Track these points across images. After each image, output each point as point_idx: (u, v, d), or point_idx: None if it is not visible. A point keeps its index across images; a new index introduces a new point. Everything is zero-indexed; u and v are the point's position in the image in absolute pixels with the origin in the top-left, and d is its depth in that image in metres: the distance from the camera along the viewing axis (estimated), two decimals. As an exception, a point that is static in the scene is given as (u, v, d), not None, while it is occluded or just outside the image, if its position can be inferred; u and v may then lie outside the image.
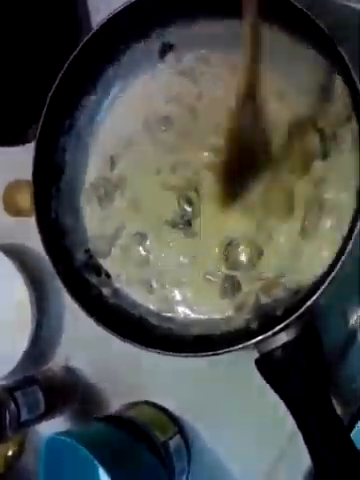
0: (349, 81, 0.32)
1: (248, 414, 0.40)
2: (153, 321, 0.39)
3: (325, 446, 0.33)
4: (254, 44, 0.32)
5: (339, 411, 0.35)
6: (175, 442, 0.41)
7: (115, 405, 0.45)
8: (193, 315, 0.39)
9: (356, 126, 0.32)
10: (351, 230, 0.32)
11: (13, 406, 0.39)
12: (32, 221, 0.42)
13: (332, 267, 0.32)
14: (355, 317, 0.38)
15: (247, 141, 0.36)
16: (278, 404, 0.35)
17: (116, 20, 0.38)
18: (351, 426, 0.36)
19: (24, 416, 0.40)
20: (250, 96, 0.33)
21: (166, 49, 0.40)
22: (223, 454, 0.41)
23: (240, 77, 0.33)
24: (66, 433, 0.38)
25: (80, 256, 0.43)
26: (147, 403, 0.43)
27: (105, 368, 0.46)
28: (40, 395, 0.42)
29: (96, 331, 0.38)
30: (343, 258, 0.31)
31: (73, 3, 0.44)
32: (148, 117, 0.41)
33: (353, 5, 0.37)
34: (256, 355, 0.35)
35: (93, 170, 0.42)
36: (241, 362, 0.36)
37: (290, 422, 0.34)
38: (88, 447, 0.36)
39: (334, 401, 0.34)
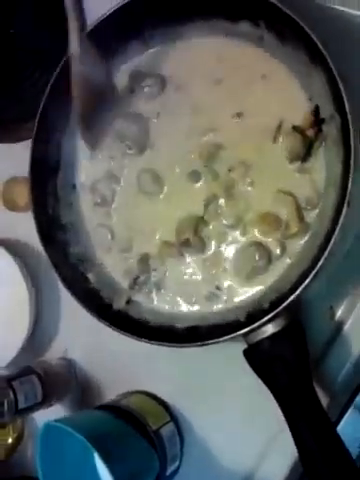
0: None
1: (240, 402, 0.41)
2: (147, 315, 0.40)
3: (310, 436, 0.34)
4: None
5: (325, 404, 0.36)
6: (168, 430, 0.42)
7: (110, 394, 0.46)
8: (185, 308, 0.40)
9: (339, 122, 0.33)
10: (334, 223, 0.32)
11: (11, 394, 0.41)
12: (30, 216, 0.43)
13: (316, 261, 0.33)
14: (341, 310, 0.39)
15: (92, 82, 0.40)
16: (268, 393, 0.36)
17: (107, 22, 0.40)
18: (338, 419, 0.37)
19: (21, 404, 0.42)
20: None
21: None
22: (215, 441, 0.43)
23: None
24: (62, 420, 0.39)
25: (77, 250, 0.44)
26: (141, 392, 0.45)
27: (101, 359, 0.47)
28: (38, 384, 0.44)
29: (92, 323, 0.40)
30: (327, 253, 0.32)
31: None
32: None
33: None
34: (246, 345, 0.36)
35: (87, 168, 0.44)
36: (232, 352, 0.37)
37: (280, 411, 0.36)
38: (84, 433, 0.37)
39: (320, 394, 0.35)
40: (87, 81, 0.40)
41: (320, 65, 0.33)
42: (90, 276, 0.43)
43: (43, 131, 0.43)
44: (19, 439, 0.48)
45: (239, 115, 0.38)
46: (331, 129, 0.34)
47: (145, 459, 0.40)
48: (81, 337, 0.47)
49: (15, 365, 0.47)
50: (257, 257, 0.37)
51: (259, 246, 0.37)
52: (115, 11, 0.39)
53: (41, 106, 0.42)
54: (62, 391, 0.47)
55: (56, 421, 0.38)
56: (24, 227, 0.46)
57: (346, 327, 0.39)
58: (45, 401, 0.44)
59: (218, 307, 0.38)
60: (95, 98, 0.41)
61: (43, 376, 0.45)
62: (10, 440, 0.48)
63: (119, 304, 0.42)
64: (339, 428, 0.40)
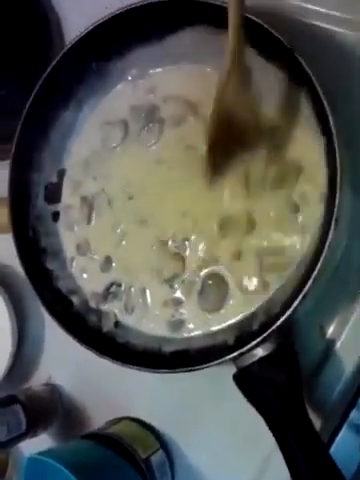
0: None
1: (230, 428, 0.40)
2: (134, 339, 0.39)
3: (303, 460, 0.33)
4: (238, 10, 0.31)
5: (318, 426, 0.35)
6: (157, 458, 0.41)
7: (98, 421, 0.45)
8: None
9: (324, 140, 0.33)
10: (322, 243, 0.32)
11: (-7, 427, 0.39)
12: (10, 238, 0.42)
13: (305, 282, 0.32)
14: (331, 329, 0.38)
15: (235, 113, 0.34)
16: (259, 418, 0.35)
17: (86, 40, 0.39)
18: (330, 441, 0.37)
19: (4, 437, 0.40)
20: (236, 64, 0.32)
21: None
22: (206, 467, 0.41)
23: (226, 45, 0.31)
24: (46, 453, 0.37)
25: (59, 274, 0.43)
26: (129, 419, 0.43)
27: (87, 385, 0.45)
28: (21, 414, 0.42)
29: (77, 348, 0.38)
30: (314, 274, 0.32)
31: (47, 23, 0.44)
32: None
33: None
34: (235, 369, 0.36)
35: (66, 189, 0.43)
36: (222, 376, 0.36)
37: (271, 436, 0.35)
38: (69, 467, 0.36)
39: (312, 416, 0.34)
40: (231, 106, 0.33)
41: (303, 84, 0.33)
42: (74, 299, 0.42)
43: (22, 151, 0.42)
44: (3, 471, 0.47)
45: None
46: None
47: (135, 489, 0.39)
48: (66, 362, 0.46)
49: (-3, 393, 0.45)
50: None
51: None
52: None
53: (19, 126, 0.41)
54: (47, 419, 0.45)
55: (40, 454, 0.37)
56: (5, 250, 0.44)
57: (337, 345, 0.38)
58: (30, 431, 0.43)
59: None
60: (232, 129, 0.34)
61: (27, 404, 0.43)
62: (-7, 472, 0.47)
63: (107, 326, 0.40)
64: (333, 447, 0.39)
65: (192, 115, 0.39)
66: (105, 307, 0.41)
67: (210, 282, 0.37)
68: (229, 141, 0.35)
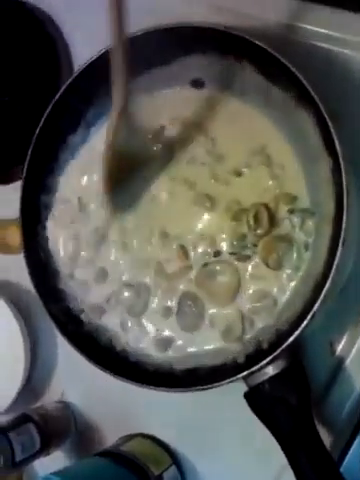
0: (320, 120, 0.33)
1: (242, 445, 0.41)
2: (143, 358, 0.40)
3: (314, 478, 0.33)
4: (122, 65, 0.33)
5: (328, 443, 0.36)
6: (170, 474, 0.41)
7: (111, 438, 0.45)
8: (181, 350, 0.39)
9: (331, 161, 0.33)
10: (330, 263, 0.32)
11: (7, 447, 0.40)
12: (22, 258, 0.42)
13: (314, 301, 0.32)
14: (341, 345, 0.38)
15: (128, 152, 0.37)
16: (271, 435, 0.35)
17: (94, 66, 0.39)
18: (341, 457, 0.37)
19: (19, 456, 0.41)
20: (124, 110, 0.35)
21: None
22: (218, 484, 0.42)
23: (114, 95, 0.35)
24: (60, 473, 0.38)
25: (70, 294, 0.43)
26: (142, 436, 0.44)
27: (99, 402, 0.46)
28: (35, 433, 0.43)
29: (89, 366, 0.39)
30: (324, 292, 0.32)
31: (54, 47, 0.45)
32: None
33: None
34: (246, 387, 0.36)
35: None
36: (234, 393, 0.37)
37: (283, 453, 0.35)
38: (82, 486, 0.36)
39: (322, 433, 0.35)
40: (122, 148, 0.37)
41: (308, 105, 0.33)
42: (84, 318, 0.42)
43: (33, 173, 0.42)
44: (17, 490, 0.47)
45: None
46: (321, 166, 0.34)
47: (148, 507, 0.39)
48: (78, 379, 0.46)
49: (11, 411, 0.46)
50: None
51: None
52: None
53: (30, 148, 0.42)
54: (61, 436, 0.46)
55: (54, 473, 0.37)
56: (18, 270, 0.45)
57: (347, 362, 0.38)
58: (43, 449, 0.43)
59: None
60: (128, 165, 0.38)
61: (40, 423, 0.44)
62: (8, 491, 0.47)
63: (120, 344, 0.41)
64: (344, 463, 0.39)
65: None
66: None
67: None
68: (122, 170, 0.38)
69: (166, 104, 0.40)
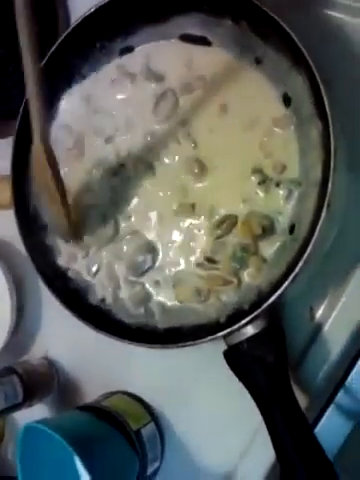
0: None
1: (220, 402, 0.41)
2: (126, 316, 0.40)
3: (287, 436, 0.34)
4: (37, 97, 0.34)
5: (304, 405, 0.36)
6: (148, 430, 0.42)
7: (92, 394, 0.46)
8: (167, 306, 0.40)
9: (320, 125, 0.33)
10: (314, 225, 0.33)
11: (-10, 395, 0.41)
12: (12, 214, 0.42)
13: (296, 263, 0.33)
14: (321, 311, 0.39)
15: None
16: (248, 395, 0.36)
17: (91, 20, 0.39)
18: (316, 421, 0.38)
19: (1, 405, 0.42)
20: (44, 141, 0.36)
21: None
22: (195, 440, 0.43)
23: (33, 128, 0.35)
24: (42, 422, 0.39)
25: (59, 250, 0.43)
26: (122, 392, 0.45)
27: (82, 359, 0.47)
28: (18, 385, 0.44)
29: (74, 323, 0.40)
30: (306, 256, 0.32)
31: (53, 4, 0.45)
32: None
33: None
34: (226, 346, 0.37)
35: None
36: (214, 353, 0.37)
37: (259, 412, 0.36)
38: (63, 435, 0.37)
39: (299, 395, 0.35)
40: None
41: (302, 69, 0.33)
42: (71, 274, 0.43)
43: (25, 129, 0.42)
44: (0, 439, 0.48)
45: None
46: (311, 130, 0.34)
47: (125, 460, 0.40)
48: (63, 337, 0.47)
49: (-4, 365, 0.46)
50: None
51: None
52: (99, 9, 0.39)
53: (23, 104, 0.42)
54: (43, 391, 0.47)
55: (36, 422, 0.38)
56: (6, 226, 0.45)
57: (326, 328, 0.39)
58: (26, 401, 0.44)
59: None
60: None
61: (24, 376, 0.44)
62: (-10, 441, 0.48)
63: (106, 302, 0.41)
64: (319, 426, 0.40)
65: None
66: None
67: None
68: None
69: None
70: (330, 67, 0.34)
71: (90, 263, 0.42)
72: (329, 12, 0.37)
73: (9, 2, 0.45)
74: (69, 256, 0.42)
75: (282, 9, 0.34)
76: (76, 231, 0.41)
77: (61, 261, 0.42)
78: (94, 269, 0.42)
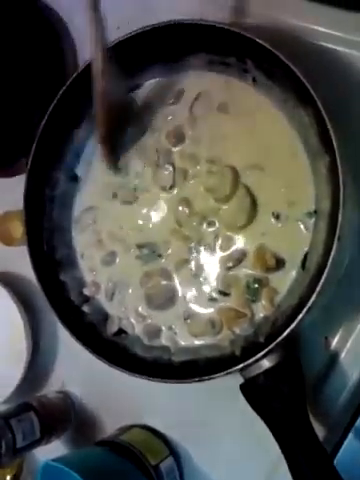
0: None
1: (237, 435, 0.41)
2: (141, 350, 0.41)
3: (307, 469, 0.34)
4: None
5: (322, 437, 0.36)
6: (167, 464, 0.42)
7: (109, 428, 0.46)
8: (181, 343, 0.40)
9: (328, 159, 0.34)
10: (325, 258, 0.33)
11: (9, 434, 0.41)
12: (25, 250, 0.43)
13: (308, 295, 0.33)
14: (336, 340, 0.39)
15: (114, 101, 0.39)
16: (266, 428, 0.36)
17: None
18: (336, 450, 0.37)
19: (20, 443, 0.42)
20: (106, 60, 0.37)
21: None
22: (214, 474, 0.43)
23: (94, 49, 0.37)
24: (60, 459, 0.39)
25: (72, 284, 0.44)
26: (140, 426, 0.45)
27: (99, 393, 0.47)
28: (35, 421, 0.44)
29: (90, 357, 0.40)
30: (319, 287, 0.33)
31: (60, 42, 0.46)
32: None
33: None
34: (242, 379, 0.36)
35: (79, 204, 0.44)
36: (231, 386, 0.37)
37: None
38: (82, 473, 0.37)
39: (317, 425, 0.35)
40: (109, 99, 0.39)
41: (308, 104, 0.34)
42: (85, 309, 0.43)
43: (37, 167, 0.43)
44: (17, 476, 0.48)
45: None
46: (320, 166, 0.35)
47: (145, 495, 0.40)
48: (78, 371, 0.47)
49: (13, 401, 0.47)
50: None
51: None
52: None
53: (35, 141, 0.43)
54: (61, 426, 0.47)
55: (54, 460, 0.38)
56: (20, 261, 0.45)
57: (342, 356, 0.39)
58: (44, 438, 0.44)
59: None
60: (117, 116, 0.40)
61: (41, 411, 0.45)
62: (8, 478, 0.48)
63: (111, 330, 0.42)
64: (339, 455, 0.40)
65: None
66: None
67: None
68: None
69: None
70: (335, 101, 0.34)
71: (109, 291, 0.42)
72: (333, 46, 0.38)
73: (19, 45, 0.47)
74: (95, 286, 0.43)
75: (284, 45, 0.35)
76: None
77: (86, 291, 0.43)
78: (113, 297, 0.42)
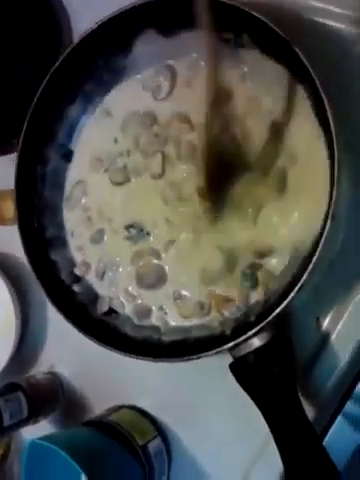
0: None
1: (226, 415, 0.41)
2: (131, 329, 0.40)
3: (295, 448, 0.33)
4: (212, 54, 0.34)
5: (312, 416, 0.36)
6: (155, 445, 0.42)
7: (97, 409, 0.46)
8: (172, 323, 0.40)
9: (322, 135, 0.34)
10: (319, 236, 0.33)
11: (-4, 412, 0.40)
12: (16, 229, 0.43)
13: (300, 274, 0.33)
14: (327, 320, 0.39)
15: (221, 148, 0.37)
16: (255, 407, 0.35)
17: (96, 33, 0.39)
18: (325, 431, 0.37)
19: (7, 421, 0.41)
20: (217, 103, 0.35)
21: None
22: (202, 454, 0.42)
23: (206, 86, 0.34)
24: (47, 438, 0.38)
25: (63, 264, 0.43)
26: (128, 407, 0.44)
27: (87, 373, 0.46)
28: (23, 401, 0.43)
29: (79, 337, 0.39)
30: (310, 266, 0.32)
31: (55, 17, 0.45)
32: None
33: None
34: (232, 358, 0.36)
35: (70, 180, 0.43)
36: (220, 365, 0.37)
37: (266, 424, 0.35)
38: (68, 451, 0.37)
39: (306, 405, 0.35)
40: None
41: (303, 78, 0.33)
42: (76, 289, 0.43)
43: (29, 145, 0.43)
44: (5, 455, 0.48)
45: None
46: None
47: (132, 475, 0.40)
48: (68, 351, 0.47)
49: (0, 381, 0.46)
50: None
51: None
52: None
53: (27, 119, 0.42)
54: (49, 406, 0.46)
55: (41, 439, 0.38)
56: (11, 241, 0.45)
57: (333, 337, 0.39)
58: (31, 417, 0.44)
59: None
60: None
61: (29, 392, 0.44)
62: (-5, 456, 0.48)
63: (101, 309, 0.41)
64: (327, 437, 0.40)
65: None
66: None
67: None
68: (221, 177, 0.37)
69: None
70: (332, 78, 0.34)
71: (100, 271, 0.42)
72: (329, 22, 0.38)
73: (13, 20, 0.46)
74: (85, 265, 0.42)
75: (280, 20, 0.34)
76: None
77: (77, 271, 0.43)
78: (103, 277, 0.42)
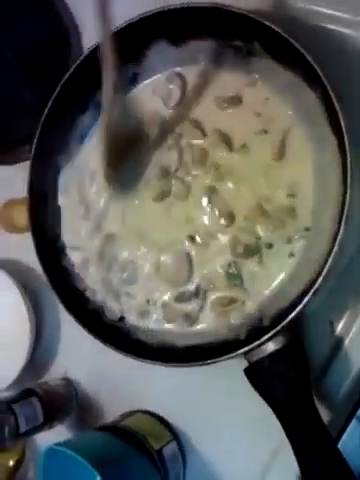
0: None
1: (242, 419, 0.41)
2: (144, 335, 0.40)
3: (311, 452, 0.34)
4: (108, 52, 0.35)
5: (326, 419, 0.36)
6: (170, 449, 0.42)
7: (112, 414, 0.46)
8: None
9: (335, 141, 0.34)
10: (333, 241, 0.33)
11: (12, 418, 0.41)
12: (30, 237, 0.43)
13: (316, 279, 0.33)
14: (341, 325, 0.39)
15: (122, 132, 0.39)
16: (270, 411, 0.36)
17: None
18: (339, 435, 0.37)
19: (23, 427, 0.41)
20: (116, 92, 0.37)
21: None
22: (217, 458, 0.42)
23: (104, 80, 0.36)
24: (64, 443, 0.39)
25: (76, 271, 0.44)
26: (142, 411, 0.45)
27: (101, 378, 0.47)
28: (38, 406, 0.43)
29: (93, 342, 0.40)
30: (326, 270, 0.33)
31: (64, 28, 0.46)
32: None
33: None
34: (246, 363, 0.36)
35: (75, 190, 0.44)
36: (235, 370, 0.37)
37: (282, 428, 0.35)
38: (85, 456, 0.37)
39: (321, 409, 0.35)
40: (117, 131, 0.39)
41: (315, 85, 0.34)
42: (89, 294, 0.43)
43: (41, 153, 0.43)
44: (20, 461, 0.48)
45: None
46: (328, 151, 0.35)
47: (147, 479, 0.40)
48: (82, 357, 0.47)
49: (15, 387, 0.46)
50: None
51: None
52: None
53: (39, 128, 0.42)
54: (63, 412, 0.47)
55: (58, 445, 0.38)
56: (23, 249, 0.45)
57: (346, 342, 0.39)
58: (46, 423, 0.44)
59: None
60: (125, 147, 0.40)
61: (44, 397, 0.44)
62: (11, 462, 0.48)
63: (113, 316, 0.42)
64: (342, 440, 0.40)
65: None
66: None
67: None
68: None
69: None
70: (344, 84, 0.34)
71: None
72: (341, 29, 0.38)
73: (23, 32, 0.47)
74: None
75: (293, 27, 0.35)
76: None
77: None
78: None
